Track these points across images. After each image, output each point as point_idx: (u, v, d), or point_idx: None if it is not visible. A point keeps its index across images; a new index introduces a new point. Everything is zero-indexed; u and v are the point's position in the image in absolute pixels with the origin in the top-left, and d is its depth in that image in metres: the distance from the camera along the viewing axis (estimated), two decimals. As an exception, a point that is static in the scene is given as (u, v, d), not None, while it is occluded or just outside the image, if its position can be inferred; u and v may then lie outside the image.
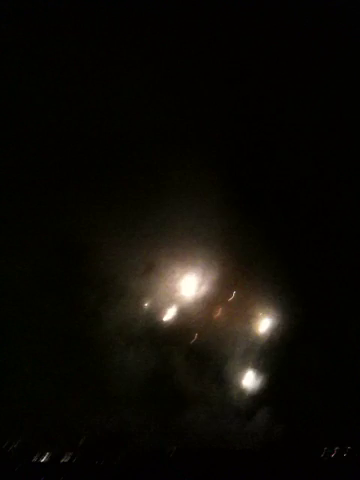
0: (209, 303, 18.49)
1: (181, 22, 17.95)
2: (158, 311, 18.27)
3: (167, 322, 18.22)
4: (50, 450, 16.23)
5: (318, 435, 17.02)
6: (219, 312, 18.35)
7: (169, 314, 18.29)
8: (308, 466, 16.34)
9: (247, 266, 18.55)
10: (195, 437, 16.99)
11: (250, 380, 18.01)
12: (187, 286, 18.56)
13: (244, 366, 18.11)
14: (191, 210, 18.56)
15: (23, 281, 17.16)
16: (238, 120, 18.52)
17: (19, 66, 17.58)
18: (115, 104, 18.18)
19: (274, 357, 18.01)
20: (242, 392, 17.92)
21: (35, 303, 17.25)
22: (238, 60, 18.23)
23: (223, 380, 17.97)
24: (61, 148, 18.10)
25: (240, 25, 18.01)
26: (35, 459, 16.06)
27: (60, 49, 17.70)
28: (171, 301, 18.30)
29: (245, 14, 17.94)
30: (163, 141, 18.30)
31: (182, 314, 18.33)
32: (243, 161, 18.66)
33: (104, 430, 16.74)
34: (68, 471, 15.92)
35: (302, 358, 17.68)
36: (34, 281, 17.28)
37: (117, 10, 17.58)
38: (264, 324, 18.44)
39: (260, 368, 18.09)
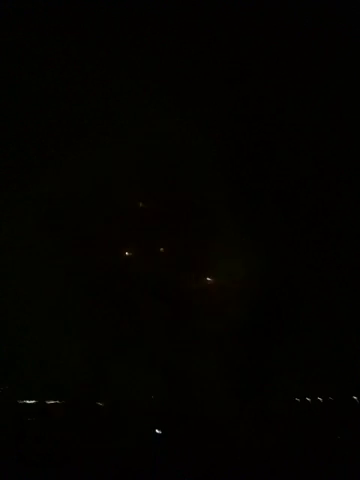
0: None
1: (181, 22, 18.09)
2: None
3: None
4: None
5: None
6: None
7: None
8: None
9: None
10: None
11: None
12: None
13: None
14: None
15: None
16: (239, 120, 18.54)
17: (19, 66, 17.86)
18: (114, 105, 18.28)
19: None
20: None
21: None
22: (238, 60, 18.30)
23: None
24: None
25: (240, 25, 18.10)
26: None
27: (59, 49, 17.93)
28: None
29: (245, 14, 18.04)
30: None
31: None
32: (243, 161, 18.64)
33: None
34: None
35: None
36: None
37: (115, 10, 17.73)
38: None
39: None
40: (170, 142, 18.12)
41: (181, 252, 18.23)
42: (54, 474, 15.26)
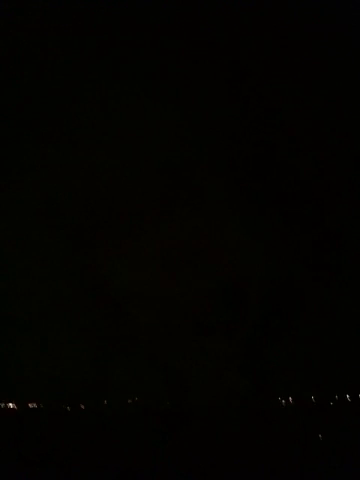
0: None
1: (180, 23, 18.10)
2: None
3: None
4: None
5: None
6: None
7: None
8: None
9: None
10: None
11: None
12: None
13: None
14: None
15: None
16: (239, 121, 18.55)
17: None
18: (114, 107, 18.30)
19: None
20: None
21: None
22: (238, 60, 18.31)
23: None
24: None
25: (240, 25, 18.11)
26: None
27: (58, 49, 17.95)
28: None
29: (245, 14, 18.04)
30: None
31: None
32: (244, 162, 18.65)
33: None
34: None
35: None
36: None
37: (113, 10, 17.75)
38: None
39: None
40: (170, 143, 18.20)
41: (181, 252, 18.27)
42: (54, 474, 15.26)
